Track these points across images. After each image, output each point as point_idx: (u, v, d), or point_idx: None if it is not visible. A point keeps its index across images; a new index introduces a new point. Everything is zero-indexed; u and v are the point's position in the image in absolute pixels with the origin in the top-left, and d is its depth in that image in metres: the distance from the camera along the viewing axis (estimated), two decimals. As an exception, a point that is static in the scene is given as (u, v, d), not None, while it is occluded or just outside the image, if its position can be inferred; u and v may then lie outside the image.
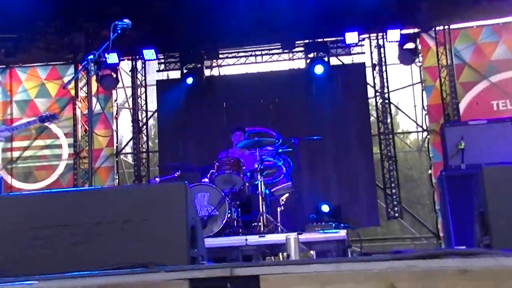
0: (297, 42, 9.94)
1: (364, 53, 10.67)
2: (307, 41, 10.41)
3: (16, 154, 10.74)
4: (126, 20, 4.01)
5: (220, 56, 10.54)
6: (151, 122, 11.85)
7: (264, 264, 2.09)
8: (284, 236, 4.99)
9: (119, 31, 4.01)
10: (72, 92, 10.78)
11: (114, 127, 11.14)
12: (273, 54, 10.91)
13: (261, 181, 6.74)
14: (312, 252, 6.04)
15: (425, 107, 10.50)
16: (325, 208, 8.42)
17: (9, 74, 10.84)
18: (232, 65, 11.09)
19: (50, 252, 2.75)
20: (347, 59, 10.73)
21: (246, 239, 5.77)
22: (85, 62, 3.98)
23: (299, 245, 4.38)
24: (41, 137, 10.79)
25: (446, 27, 10.18)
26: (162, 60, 11.07)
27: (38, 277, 1.94)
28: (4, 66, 10.74)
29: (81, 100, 10.85)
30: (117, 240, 2.75)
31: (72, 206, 2.86)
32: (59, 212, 2.84)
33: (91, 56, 3.99)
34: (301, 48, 10.63)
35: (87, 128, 10.74)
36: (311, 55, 10.44)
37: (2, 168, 10.59)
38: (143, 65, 11.26)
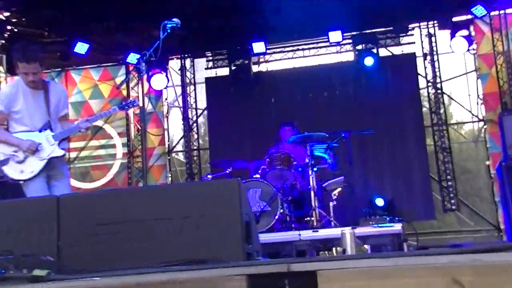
0: (344, 34, 9.79)
1: (414, 42, 10.42)
2: (354, 33, 10.25)
3: (73, 154, 11.06)
4: (175, 19, 4.05)
5: (268, 51, 10.51)
6: (201, 119, 11.97)
7: (320, 259, 2.07)
8: (338, 231, 4.95)
9: (169, 31, 4.06)
10: (124, 92, 11.01)
11: (165, 126, 11.33)
12: (320, 47, 10.81)
13: (312, 176, 6.71)
14: (366, 246, 5.97)
15: (481, 96, 10.16)
16: (379, 202, 8.29)
17: (65, 77, 11.19)
18: (279, 60, 11.06)
19: (112, 247, 2.84)
20: (397, 50, 10.50)
21: (300, 234, 5.76)
22: (137, 62, 4.05)
23: (355, 240, 4.32)
24: (96, 137, 11.09)
25: (501, 11, 9.80)
26: (210, 58, 11.17)
27: (101, 274, 1.99)
28: (59, 69, 11.09)
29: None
30: (175, 236, 2.80)
31: (133, 204, 2.94)
32: (120, 209, 2.92)
33: (142, 56, 4.05)
34: (349, 41, 10.48)
35: (139, 128, 10.97)
36: (359, 47, 10.28)
37: (60, 168, 10.92)
38: (192, 63, 11.39)
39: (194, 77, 11.39)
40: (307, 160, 7.02)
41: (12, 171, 4.38)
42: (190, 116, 11.31)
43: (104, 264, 2.75)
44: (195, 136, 11.43)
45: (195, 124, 11.43)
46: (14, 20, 9.62)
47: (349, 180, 7.34)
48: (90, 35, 9.90)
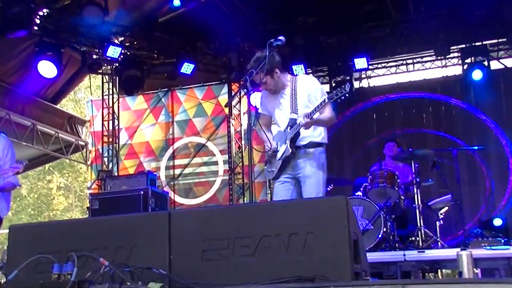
0: (451, 47, 9.40)
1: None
2: (463, 46, 9.79)
3: (177, 171, 11.47)
4: (281, 37, 4.09)
5: (370, 67, 10.35)
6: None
7: (438, 281, 1.97)
8: (446, 252, 4.73)
9: (275, 49, 4.11)
10: (226, 110, 11.28)
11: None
12: (425, 62, 10.47)
13: (417, 194, 6.47)
14: (476, 270, 5.63)
15: None
16: (497, 222, 7.69)
17: (171, 96, 11.68)
18: (382, 75, 10.85)
19: (221, 263, 2.89)
20: (510, 62, 9.89)
21: (404, 254, 5.56)
22: (245, 80, 4.13)
23: (472, 262, 4.07)
24: (199, 154, 11.42)
25: None
26: (311, 74, 11.18)
27: None
28: (166, 88, 11.61)
29: (235, 118, 11.32)
30: (283, 253, 2.79)
31: (241, 220, 2.97)
32: (229, 225, 2.97)
33: (249, 74, 4.13)
34: (457, 54, 10.05)
35: (240, 145, 11.16)
36: (468, 60, 9.79)
37: (165, 184, 11.38)
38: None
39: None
40: (411, 178, 6.81)
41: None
42: (290, 132, 11.32)
43: (213, 279, 2.81)
44: (295, 153, 11.41)
45: (295, 141, 11.42)
46: (127, 44, 10.27)
47: (457, 198, 6.97)
48: (195, 56, 10.31)
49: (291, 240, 2.80)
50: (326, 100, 4.20)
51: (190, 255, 2.98)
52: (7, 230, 3.63)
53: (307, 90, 4.47)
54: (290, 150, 4.38)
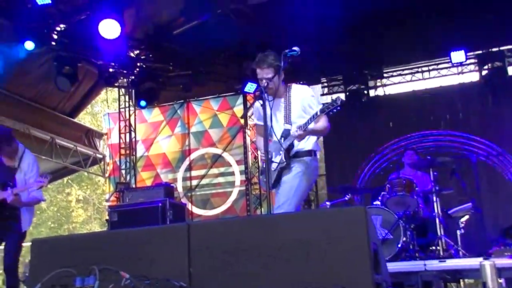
0: (468, 54, 9.33)
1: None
2: (479, 52, 9.71)
3: (194, 182, 11.50)
4: (295, 48, 4.08)
5: (385, 75, 10.30)
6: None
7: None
8: (468, 261, 4.65)
9: (290, 60, 4.11)
10: (242, 121, 11.32)
11: (283, 153, 11.42)
12: (441, 69, 10.40)
13: (437, 203, 6.40)
14: (500, 280, 5.54)
15: None
16: (523, 231, 7.60)
17: (186, 108, 11.75)
18: (397, 83, 10.79)
19: (240, 274, 2.88)
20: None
21: (425, 264, 5.47)
22: (261, 92, 4.13)
23: (496, 272, 4.01)
24: (215, 165, 11.45)
25: None
26: (326, 84, 11.17)
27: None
28: (182, 100, 11.68)
29: (250, 128, 11.34)
30: (301, 264, 2.78)
31: (260, 231, 2.97)
32: (248, 236, 2.97)
33: (264, 86, 4.14)
34: (473, 60, 9.96)
35: (256, 155, 11.16)
36: (485, 67, 9.70)
37: (183, 196, 11.42)
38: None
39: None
40: (430, 186, 6.74)
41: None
42: (306, 142, 11.31)
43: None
44: (312, 162, 11.39)
45: (310, 151, 11.40)
46: (142, 57, 10.36)
47: (478, 206, 6.88)
48: (210, 66, 10.36)
49: (310, 251, 2.79)
50: (318, 113, 4.16)
51: (210, 267, 2.98)
52: (29, 243, 3.67)
53: (301, 100, 4.43)
54: (285, 162, 4.37)
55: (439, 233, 6.27)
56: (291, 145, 4.37)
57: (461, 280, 6.06)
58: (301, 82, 11.11)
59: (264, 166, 4.52)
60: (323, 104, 4.23)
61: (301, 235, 2.85)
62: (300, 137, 4.23)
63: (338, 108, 4.09)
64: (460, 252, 6.21)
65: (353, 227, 2.81)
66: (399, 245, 6.16)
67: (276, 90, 4.37)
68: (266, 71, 4.30)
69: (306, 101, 4.42)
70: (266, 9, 8.90)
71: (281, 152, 4.39)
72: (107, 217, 8.00)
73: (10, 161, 5.35)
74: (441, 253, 6.14)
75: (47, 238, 5.10)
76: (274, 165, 4.44)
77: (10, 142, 5.31)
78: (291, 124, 4.38)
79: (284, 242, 2.86)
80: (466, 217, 6.94)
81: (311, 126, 4.22)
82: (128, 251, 3.23)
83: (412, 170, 7.29)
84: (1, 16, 8.06)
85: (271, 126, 4.25)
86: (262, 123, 4.57)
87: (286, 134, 4.39)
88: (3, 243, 5.29)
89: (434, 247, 6.41)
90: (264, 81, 4.29)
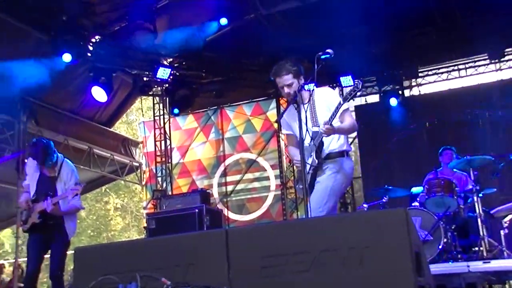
0: (506, 50, 9.10)
1: None
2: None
3: (229, 187, 11.55)
4: (329, 50, 4.05)
5: (420, 74, 10.14)
6: (352, 148, 11.84)
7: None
8: (514, 262, 4.52)
9: (323, 62, 4.08)
10: (275, 125, 11.31)
11: (318, 156, 11.36)
12: (478, 66, 10.17)
13: (478, 203, 6.25)
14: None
15: None
16: None
17: (220, 114, 11.81)
18: (433, 82, 10.61)
19: (279, 279, 2.86)
20: None
21: (468, 266, 5.34)
22: (295, 95, 4.12)
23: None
24: (250, 170, 11.47)
25: None
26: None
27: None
28: (215, 107, 11.75)
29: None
30: (342, 268, 2.74)
31: (298, 235, 2.95)
32: (286, 241, 2.95)
33: (300, 88, 4.13)
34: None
35: (291, 159, 11.12)
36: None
37: (219, 201, 11.46)
38: (340, 92, 11.36)
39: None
40: (470, 186, 6.58)
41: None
42: (341, 145, 11.22)
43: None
44: (347, 165, 11.29)
45: (345, 153, 11.30)
46: (176, 65, 10.47)
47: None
48: (242, 72, 10.40)
49: (350, 255, 2.74)
50: (342, 103, 4.17)
51: (249, 272, 2.97)
52: (72, 251, 3.75)
53: (326, 101, 4.44)
54: (317, 161, 4.37)
55: (481, 234, 6.11)
56: (321, 143, 4.37)
57: (507, 281, 5.89)
58: (335, 85, 11.13)
59: (299, 174, 4.52)
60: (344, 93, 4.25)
61: (341, 239, 2.81)
62: (328, 132, 4.21)
63: (357, 88, 4.15)
64: (505, 253, 6.03)
65: (394, 230, 2.75)
66: (440, 247, 6.04)
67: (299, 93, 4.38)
68: (285, 78, 4.35)
69: (331, 101, 4.40)
70: (297, 14, 8.89)
71: (312, 154, 4.39)
72: (145, 224, 8.10)
73: (51, 171, 5.50)
74: (485, 254, 5.98)
75: (89, 246, 5.19)
76: (307, 168, 4.43)
77: (51, 154, 5.45)
78: (319, 126, 4.36)
79: (324, 247, 2.83)
80: (510, 216, 6.74)
81: (337, 124, 4.24)
82: (167, 258, 3.25)
83: (451, 170, 7.13)
84: (39, 31, 8.28)
85: (300, 130, 4.24)
86: (290, 132, 4.59)
87: (315, 136, 4.38)
88: (49, 252, 5.43)
89: (477, 248, 6.25)
90: (285, 88, 4.35)
